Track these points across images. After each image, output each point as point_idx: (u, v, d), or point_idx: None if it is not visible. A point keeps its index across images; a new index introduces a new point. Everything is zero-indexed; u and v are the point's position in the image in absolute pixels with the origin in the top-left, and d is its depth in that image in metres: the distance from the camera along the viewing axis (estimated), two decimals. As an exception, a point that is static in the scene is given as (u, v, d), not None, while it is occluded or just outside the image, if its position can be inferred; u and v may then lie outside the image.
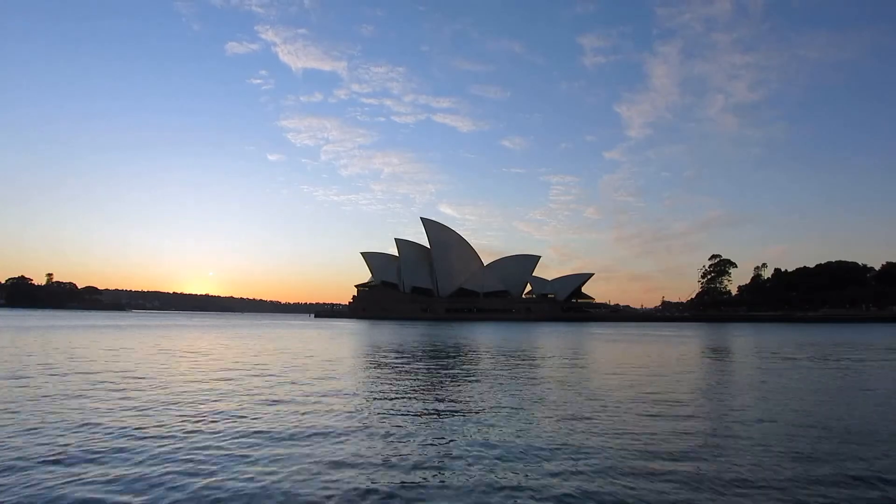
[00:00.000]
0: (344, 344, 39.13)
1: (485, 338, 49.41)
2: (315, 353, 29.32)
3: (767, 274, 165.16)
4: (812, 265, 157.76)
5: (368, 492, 6.96)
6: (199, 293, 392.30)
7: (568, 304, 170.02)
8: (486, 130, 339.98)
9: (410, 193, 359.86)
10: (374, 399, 14.16)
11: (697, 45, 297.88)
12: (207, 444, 9.21)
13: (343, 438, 9.69)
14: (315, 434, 9.98)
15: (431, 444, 9.38)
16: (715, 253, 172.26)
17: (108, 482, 7.21)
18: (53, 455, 8.39)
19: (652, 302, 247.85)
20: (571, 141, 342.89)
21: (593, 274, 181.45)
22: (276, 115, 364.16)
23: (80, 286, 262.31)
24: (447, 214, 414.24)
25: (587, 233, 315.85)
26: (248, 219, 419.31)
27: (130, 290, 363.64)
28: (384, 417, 11.70)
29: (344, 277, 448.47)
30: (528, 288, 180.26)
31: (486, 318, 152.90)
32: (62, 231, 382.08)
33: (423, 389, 16.04)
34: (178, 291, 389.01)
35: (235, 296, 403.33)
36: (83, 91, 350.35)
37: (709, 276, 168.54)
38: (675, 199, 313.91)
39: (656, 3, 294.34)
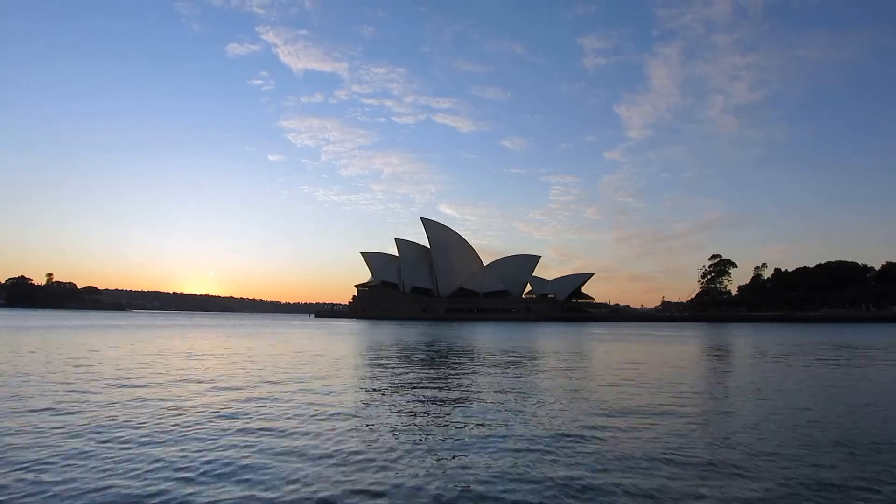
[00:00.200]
0: (354, 343, 39.13)
1: (485, 338, 49.39)
2: (333, 354, 29.34)
3: (767, 274, 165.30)
4: (812, 265, 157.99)
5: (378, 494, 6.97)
6: (199, 293, 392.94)
7: (568, 304, 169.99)
8: (486, 131, 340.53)
9: (410, 193, 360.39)
10: (390, 397, 14.17)
11: (698, 47, 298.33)
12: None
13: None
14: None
15: (436, 443, 9.39)
16: (715, 253, 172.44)
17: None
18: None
19: (652, 302, 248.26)
20: (572, 141, 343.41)
21: (593, 274, 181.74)
22: (277, 115, 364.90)
23: (80, 286, 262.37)
24: (447, 214, 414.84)
25: (587, 233, 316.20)
26: (249, 219, 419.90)
27: (130, 290, 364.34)
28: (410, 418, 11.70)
29: (344, 277, 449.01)
30: (528, 288, 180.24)
31: (486, 318, 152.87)
32: (62, 231, 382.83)
33: (425, 389, 16.02)
34: (178, 291, 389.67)
35: (235, 296, 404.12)
36: (84, 91, 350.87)
37: (709, 277, 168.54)
38: (676, 199, 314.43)
39: (656, 5, 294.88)
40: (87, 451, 8.57)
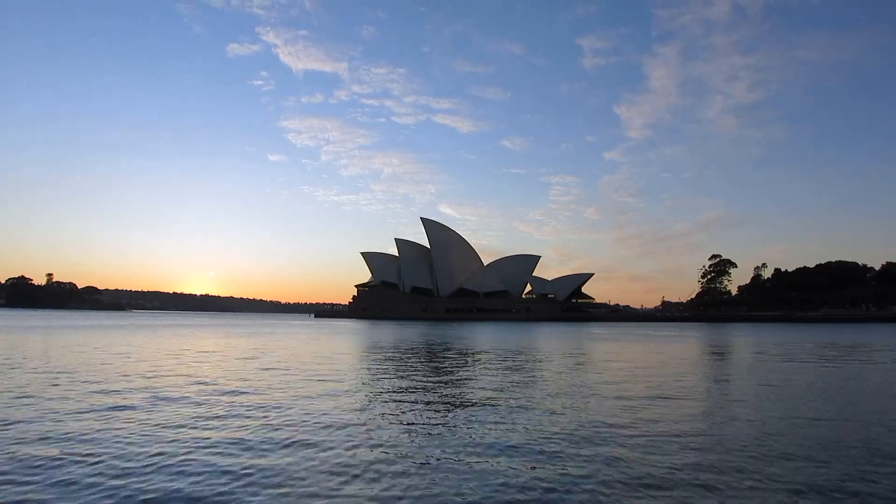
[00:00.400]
0: (355, 344, 39.17)
1: (485, 338, 49.42)
2: (335, 354, 29.37)
3: (767, 274, 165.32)
4: (812, 265, 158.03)
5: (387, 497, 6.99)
6: (199, 293, 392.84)
7: (568, 304, 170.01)
8: (486, 131, 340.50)
9: (410, 193, 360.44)
10: (389, 395, 14.20)
11: (697, 47, 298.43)
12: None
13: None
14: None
15: (438, 442, 9.42)
16: (715, 253, 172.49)
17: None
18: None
19: (652, 302, 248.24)
20: (571, 141, 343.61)
21: (593, 274, 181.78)
22: (277, 115, 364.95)
23: (80, 286, 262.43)
24: (447, 214, 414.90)
25: (587, 233, 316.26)
26: (249, 219, 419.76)
27: (130, 290, 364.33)
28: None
29: (344, 277, 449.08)
30: (528, 288, 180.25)
31: (486, 318, 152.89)
32: (62, 231, 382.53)
33: (427, 389, 16.05)
34: (178, 291, 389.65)
35: (235, 296, 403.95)
36: (84, 91, 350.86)
37: (709, 277, 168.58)
38: (676, 199, 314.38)
39: (655, 5, 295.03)
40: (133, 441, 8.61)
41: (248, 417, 11.50)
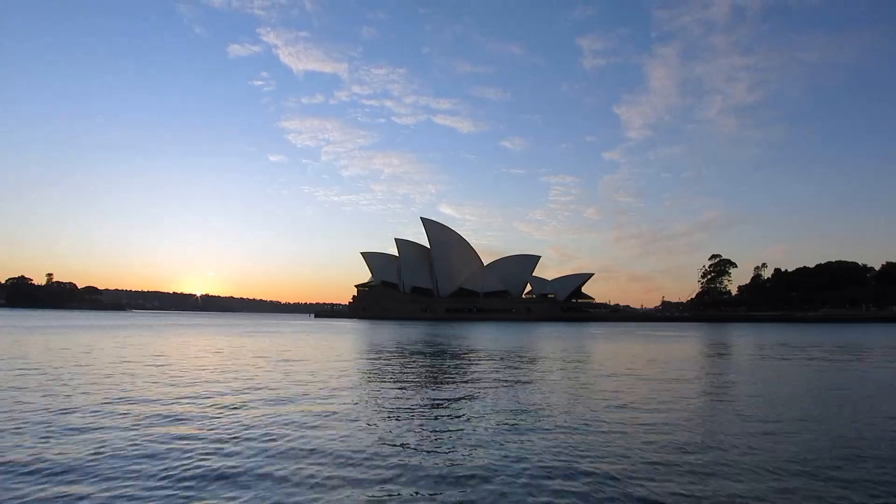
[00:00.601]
0: (355, 344, 39.20)
1: (485, 338, 49.45)
2: (337, 354, 29.42)
3: (767, 274, 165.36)
4: (812, 265, 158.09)
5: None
6: (199, 293, 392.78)
7: (568, 304, 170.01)
8: (486, 131, 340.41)
9: (411, 194, 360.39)
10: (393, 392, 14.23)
11: (696, 48, 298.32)
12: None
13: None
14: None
15: (436, 442, 9.46)
16: (715, 253, 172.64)
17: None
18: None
19: (652, 302, 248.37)
20: (571, 142, 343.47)
21: (593, 274, 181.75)
22: (278, 116, 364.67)
23: (80, 286, 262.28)
24: (447, 215, 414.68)
25: (587, 233, 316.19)
26: (249, 219, 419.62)
27: (130, 290, 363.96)
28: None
29: (344, 277, 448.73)
30: (528, 288, 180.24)
31: (486, 318, 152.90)
32: (62, 231, 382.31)
33: (428, 390, 16.10)
34: (178, 291, 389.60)
35: (235, 296, 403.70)
36: (85, 91, 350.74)
37: (709, 276, 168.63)
38: (675, 199, 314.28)
39: (655, 6, 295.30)
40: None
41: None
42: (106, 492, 6.84)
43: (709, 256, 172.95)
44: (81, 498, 6.63)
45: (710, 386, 17.95)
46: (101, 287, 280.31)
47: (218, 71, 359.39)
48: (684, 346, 41.21)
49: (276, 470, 7.79)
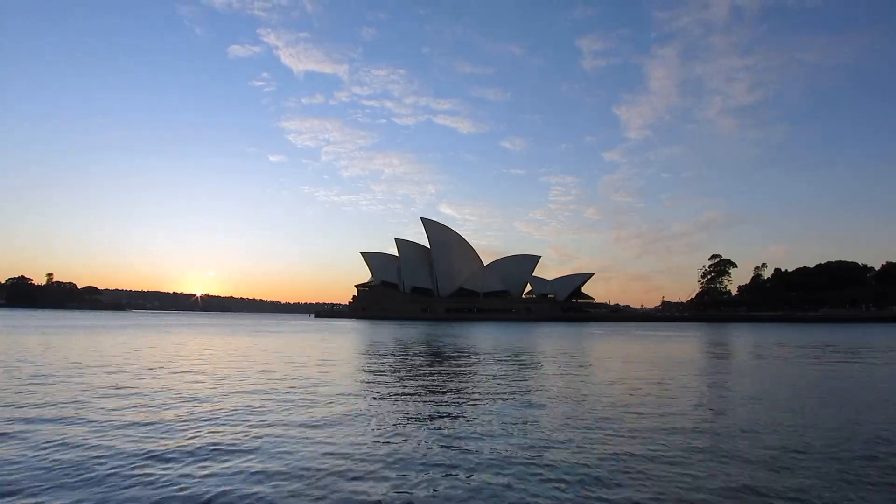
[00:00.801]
0: (356, 344, 39.23)
1: (485, 338, 49.48)
2: (337, 354, 29.46)
3: (767, 274, 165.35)
4: (812, 265, 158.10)
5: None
6: (199, 293, 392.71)
7: (568, 304, 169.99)
8: (486, 132, 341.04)
9: (411, 194, 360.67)
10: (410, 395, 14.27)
11: (695, 48, 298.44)
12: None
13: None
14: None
15: (436, 442, 9.50)
16: (715, 253, 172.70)
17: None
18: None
19: (652, 302, 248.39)
20: (571, 142, 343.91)
21: (593, 274, 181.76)
22: (278, 116, 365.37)
23: (80, 286, 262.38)
24: (447, 215, 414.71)
25: (587, 233, 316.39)
26: (249, 219, 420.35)
27: (130, 290, 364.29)
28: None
29: (344, 277, 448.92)
30: (528, 288, 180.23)
31: (486, 318, 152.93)
32: (62, 231, 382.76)
33: (429, 389, 16.12)
34: (178, 291, 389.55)
35: (235, 296, 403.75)
36: (86, 92, 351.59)
37: (709, 276, 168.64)
38: (675, 199, 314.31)
39: (654, 7, 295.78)
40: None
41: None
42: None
43: (709, 256, 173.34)
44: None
45: (711, 386, 17.98)
46: (101, 287, 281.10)
47: (218, 71, 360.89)
48: (684, 346, 41.23)
49: (279, 468, 7.85)
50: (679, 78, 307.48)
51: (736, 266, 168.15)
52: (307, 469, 7.90)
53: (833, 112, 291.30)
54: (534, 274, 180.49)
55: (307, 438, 9.71)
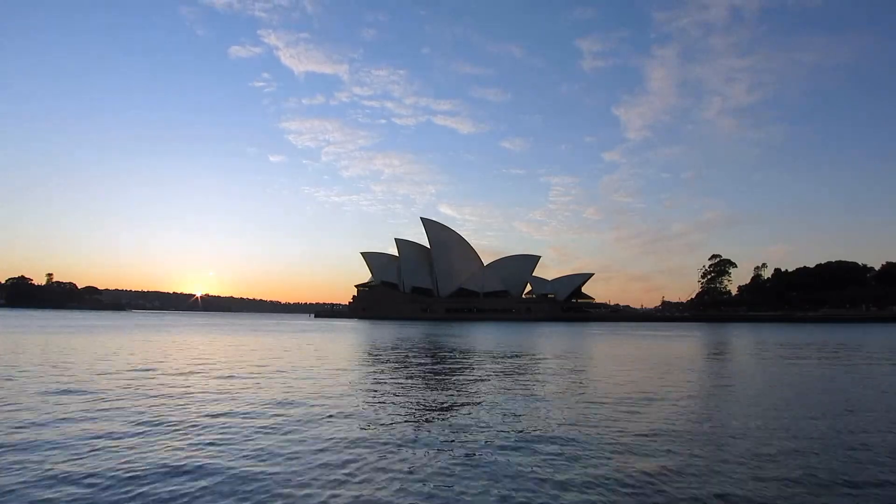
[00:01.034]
0: (356, 343, 39.25)
1: (485, 338, 49.51)
2: (338, 354, 29.48)
3: (767, 274, 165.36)
4: (812, 265, 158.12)
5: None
6: (199, 293, 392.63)
7: (568, 304, 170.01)
8: (486, 132, 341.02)
9: (411, 194, 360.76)
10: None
11: (695, 49, 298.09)
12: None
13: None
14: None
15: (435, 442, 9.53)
16: (715, 253, 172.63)
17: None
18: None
19: (652, 302, 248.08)
20: (571, 142, 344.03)
21: (593, 274, 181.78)
22: (278, 116, 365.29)
23: (80, 286, 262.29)
24: (447, 215, 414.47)
25: (587, 233, 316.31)
26: (249, 219, 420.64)
27: (130, 290, 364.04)
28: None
29: (344, 277, 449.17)
30: (528, 288, 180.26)
31: (486, 318, 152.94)
32: (62, 231, 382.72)
33: (430, 389, 16.15)
34: (178, 291, 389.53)
35: (235, 296, 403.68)
36: (87, 92, 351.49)
37: (709, 276, 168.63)
38: (675, 199, 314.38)
39: (654, 8, 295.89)
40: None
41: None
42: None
43: (709, 256, 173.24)
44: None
45: (711, 387, 18.00)
46: (101, 287, 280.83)
47: (219, 72, 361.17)
48: (684, 346, 41.26)
49: (279, 467, 7.89)
50: (679, 78, 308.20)
51: (736, 266, 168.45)
52: (307, 469, 7.93)
53: (833, 112, 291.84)
54: (534, 274, 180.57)
55: (308, 438, 9.75)
